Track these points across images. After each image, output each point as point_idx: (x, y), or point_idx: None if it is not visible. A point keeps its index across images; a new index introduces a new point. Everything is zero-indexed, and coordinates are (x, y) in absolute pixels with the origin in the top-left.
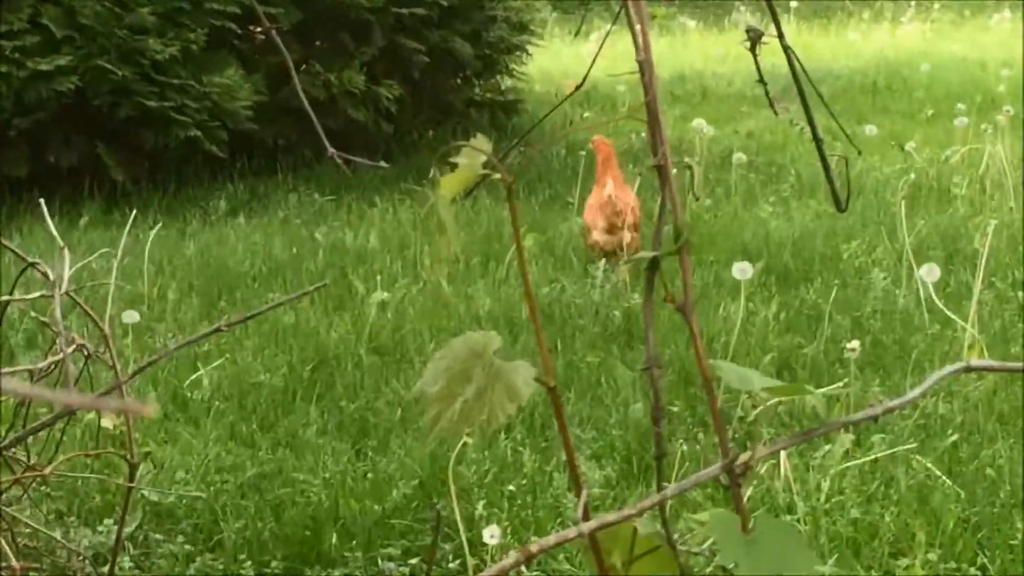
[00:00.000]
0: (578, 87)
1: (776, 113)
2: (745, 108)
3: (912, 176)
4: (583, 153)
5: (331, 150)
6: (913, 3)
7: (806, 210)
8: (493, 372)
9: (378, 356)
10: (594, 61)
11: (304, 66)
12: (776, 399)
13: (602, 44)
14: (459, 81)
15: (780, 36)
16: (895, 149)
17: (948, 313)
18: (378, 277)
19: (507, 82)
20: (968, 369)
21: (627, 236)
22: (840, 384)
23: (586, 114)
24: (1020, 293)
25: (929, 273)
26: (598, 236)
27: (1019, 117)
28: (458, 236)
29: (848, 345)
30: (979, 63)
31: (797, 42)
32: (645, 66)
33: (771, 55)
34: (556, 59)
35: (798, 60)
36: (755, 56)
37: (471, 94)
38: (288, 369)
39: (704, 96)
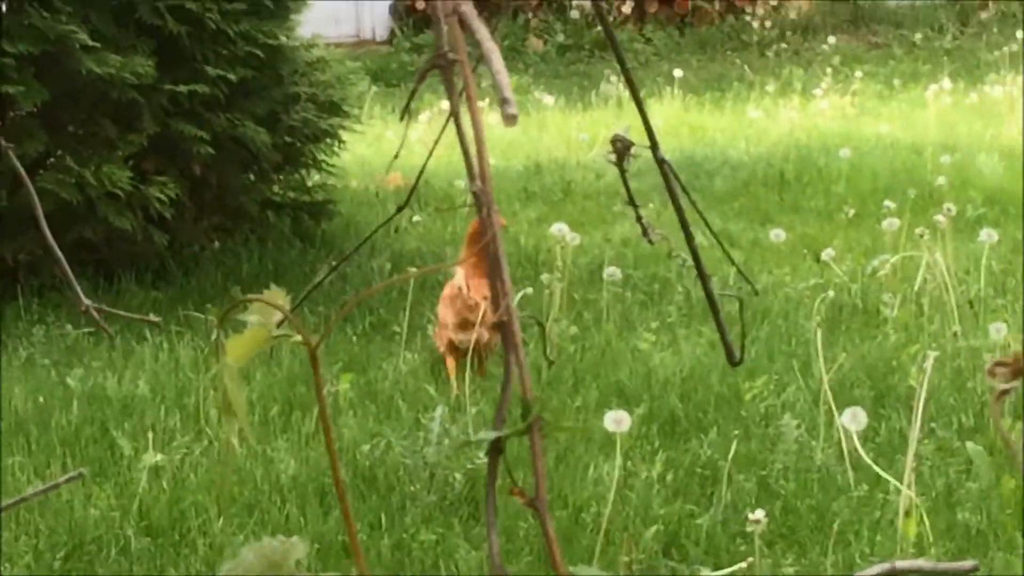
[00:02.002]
0: (410, 195)
1: (651, 242)
2: (618, 207)
3: (831, 293)
4: (413, 269)
5: (86, 302)
6: (830, 71)
7: (698, 339)
8: None
9: (151, 538)
10: (430, 154)
11: (52, 160)
12: None
13: (441, 131)
14: (252, 177)
15: (653, 147)
16: (808, 259)
17: (878, 470)
18: (150, 434)
19: (314, 177)
20: (893, 574)
21: (484, 335)
22: (743, 564)
23: (416, 218)
24: (968, 443)
25: (854, 419)
26: (452, 334)
27: (963, 217)
28: (247, 417)
29: (752, 515)
30: (913, 148)
31: (683, 122)
32: (482, 196)
33: (661, 135)
34: (378, 146)
35: (675, 174)
36: (623, 172)
37: (268, 193)
38: (33, 557)
39: (567, 193)
